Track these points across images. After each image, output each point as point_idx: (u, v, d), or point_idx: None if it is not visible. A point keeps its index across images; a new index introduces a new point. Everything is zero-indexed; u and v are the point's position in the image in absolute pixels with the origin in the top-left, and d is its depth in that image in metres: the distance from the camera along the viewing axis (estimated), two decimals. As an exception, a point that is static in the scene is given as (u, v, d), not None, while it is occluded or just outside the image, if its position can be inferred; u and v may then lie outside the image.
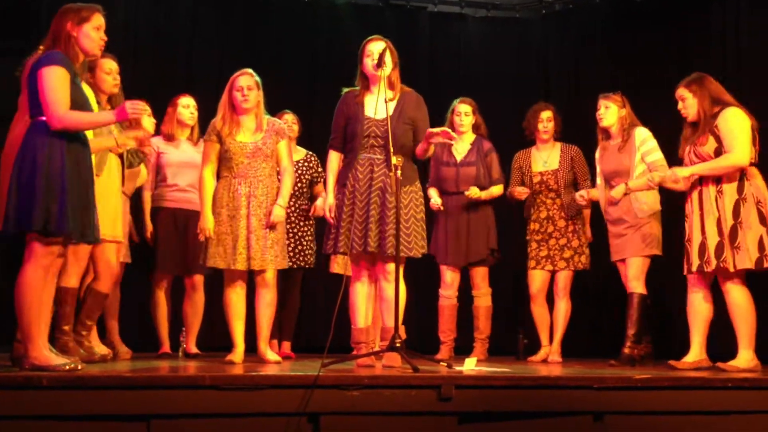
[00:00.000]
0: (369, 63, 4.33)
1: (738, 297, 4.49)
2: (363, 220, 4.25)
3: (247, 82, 4.62)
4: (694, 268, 4.57)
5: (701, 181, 4.59)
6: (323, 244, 4.45)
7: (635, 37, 6.80)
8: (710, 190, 4.54)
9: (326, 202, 4.40)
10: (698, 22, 6.44)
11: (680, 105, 4.71)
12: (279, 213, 4.59)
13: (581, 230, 5.67)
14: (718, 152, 4.51)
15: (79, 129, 3.57)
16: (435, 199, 5.69)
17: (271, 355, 4.63)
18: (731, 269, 4.44)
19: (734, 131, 4.48)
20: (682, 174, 4.57)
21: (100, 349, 4.71)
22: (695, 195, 4.62)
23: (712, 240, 4.50)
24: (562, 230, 5.66)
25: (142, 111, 3.65)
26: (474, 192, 5.60)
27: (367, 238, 4.22)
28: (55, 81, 3.51)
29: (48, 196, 3.44)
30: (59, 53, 3.59)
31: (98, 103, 4.45)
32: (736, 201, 4.47)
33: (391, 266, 4.24)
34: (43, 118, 3.50)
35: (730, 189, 4.49)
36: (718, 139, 4.52)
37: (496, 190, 5.76)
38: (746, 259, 4.42)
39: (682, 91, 4.70)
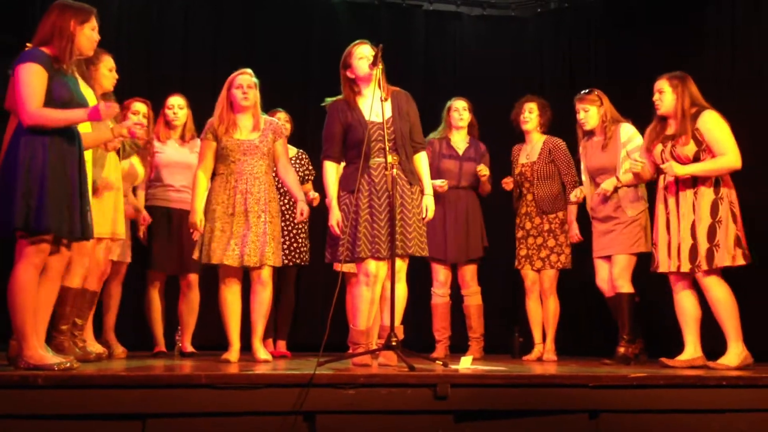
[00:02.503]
0: (363, 65, 4.28)
1: (720, 293, 4.52)
2: (385, 224, 4.18)
3: (247, 80, 4.66)
4: (671, 268, 4.62)
5: (678, 182, 4.62)
6: (330, 253, 4.35)
7: (630, 36, 6.81)
8: (687, 192, 4.59)
9: (332, 216, 4.27)
10: (693, 20, 6.44)
11: (656, 96, 4.73)
12: (305, 207, 4.73)
13: (558, 229, 5.64)
14: (698, 155, 4.56)
15: (51, 126, 3.51)
16: (440, 183, 5.56)
17: (263, 354, 4.63)
18: (706, 267, 4.49)
19: (723, 134, 4.53)
20: (680, 172, 4.57)
21: (95, 348, 4.70)
22: (672, 196, 4.66)
23: (687, 242, 4.55)
24: (538, 228, 5.65)
25: (114, 111, 3.61)
26: (484, 171, 5.61)
27: (395, 241, 4.14)
28: (29, 77, 3.49)
29: (28, 194, 3.43)
30: (37, 50, 3.57)
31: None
32: (713, 201, 4.53)
33: (398, 264, 4.20)
34: None
35: (706, 190, 4.55)
36: (698, 142, 4.56)
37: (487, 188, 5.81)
38: (725, 257, 4.48)
39: (662, 84, 4.71)
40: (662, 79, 4.72)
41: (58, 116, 3.54)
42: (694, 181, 4.57)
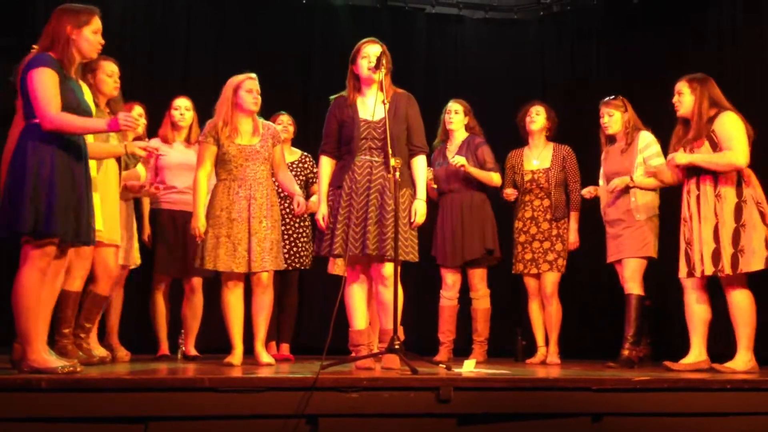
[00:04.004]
0: (365, 65, 4.30)
1: (741, 300, 4.50)
2: (361, 222, 4.21)
3: (256, 85, 4.65)
4: (697, 273, 4.58)
5: (699, 185, 4.60)
6: (317, 246, 4.40)
7: (632, 39, 6.82)
8: (708, 195, 4.56)
9: (319, 209, 4.32)
10: (695, 23, 6.45)
11: (675, 98, 4.74)
12: (302, 200, 4.76)
13: (565, 235, 5.67)
14: None
15: (70, 132, 3.53)
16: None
17: (266, 357, 4.62)
18: (730, 272, 4.45)
19: (732, 133, 4.51)
20: (681, 161, 4.57)
21: (99, 351, 4.70)
22: (693, 199, 4.64)
23: (708, 246, 4.52)
24: (545, 233, 5.66)
25: (134, 123, 3.63)
26: (459, 160, 5.53)
27: (366, 240, 4.18)
28: (45, 82, 3.49)
29: (36, 199, 3.43)
30: (47, 55, 3.56)
31: (96, 105, 4.44)
32: (737, 204, 4.50)
33: (388, 269, 4.22)
34: (36, 121, 3.49)
35: (729, 193, 4.51)
36: (714, 145, 4.54)
37: (496, 177, 5.70)
38: (752, 261, 4.44)
39: (682, 85, 4.71)
40: (682, 80, 4.72)
41: (79, 123, 3.55)
42: (715, 184, 4.54)
